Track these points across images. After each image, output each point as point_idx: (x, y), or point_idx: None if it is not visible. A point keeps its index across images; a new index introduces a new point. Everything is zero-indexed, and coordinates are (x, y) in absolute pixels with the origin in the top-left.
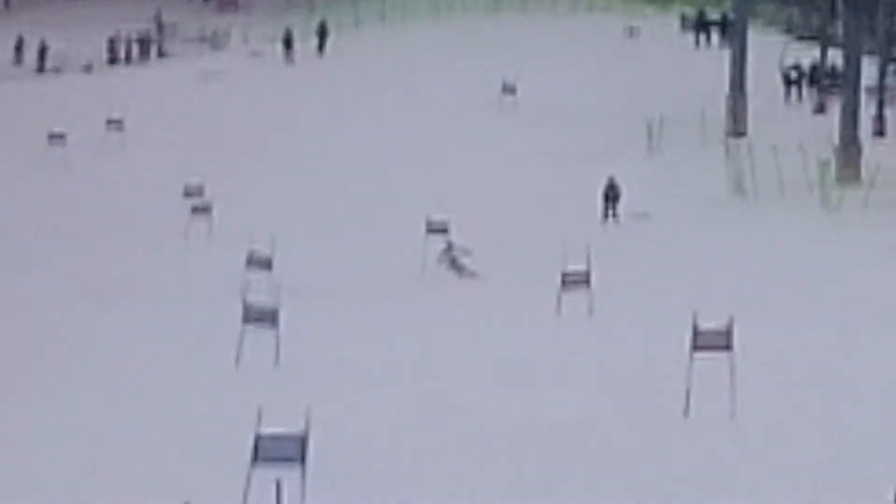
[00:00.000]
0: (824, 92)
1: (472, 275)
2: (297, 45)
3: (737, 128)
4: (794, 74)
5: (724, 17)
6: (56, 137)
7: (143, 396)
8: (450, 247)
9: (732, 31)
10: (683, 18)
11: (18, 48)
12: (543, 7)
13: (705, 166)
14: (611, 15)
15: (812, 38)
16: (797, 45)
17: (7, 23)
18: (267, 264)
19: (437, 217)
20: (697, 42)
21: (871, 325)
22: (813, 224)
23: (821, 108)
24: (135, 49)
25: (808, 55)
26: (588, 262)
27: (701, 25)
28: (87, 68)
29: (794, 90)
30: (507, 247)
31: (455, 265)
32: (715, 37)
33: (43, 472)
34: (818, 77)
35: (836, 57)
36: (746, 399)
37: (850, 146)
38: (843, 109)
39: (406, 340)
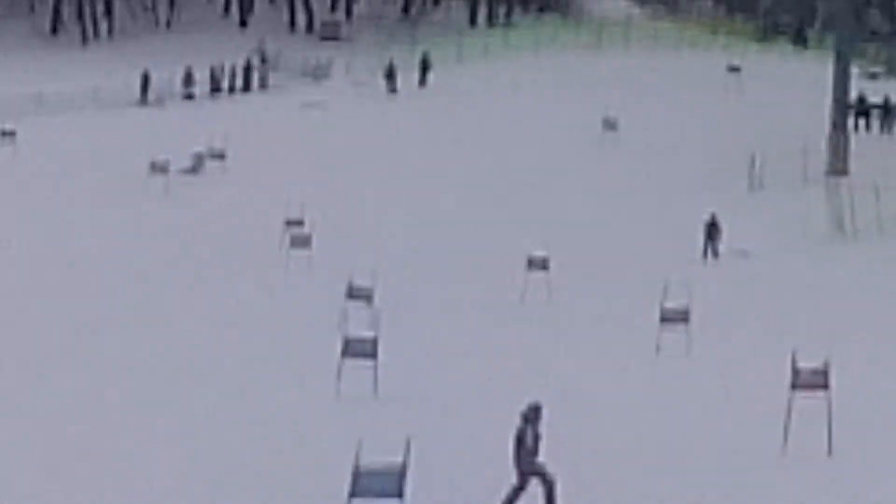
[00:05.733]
0: None
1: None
2: (399, 77)
3: (838, 166)
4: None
5: (886, 102)
6: (157, 166)
7: (244, 427)
8: None
9: (888, 112)
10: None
11: (144, 83)
12: (645, 44)
13: (806, 204)
14: (713, 52)
15: None
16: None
17: (111, 54)
18: (367, 296)
19: (538, 253)
20: (857, 127)
21: None
22: None
23: None
24: (238, 79)
25: None
26: (688, 299)
27: (861, 111)
28: (190, 97)
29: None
30: (607, 282)
31: None
32: (876, 122)
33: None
34: None
35: None
36: (844, 437)
37: None
38: None
39: (503, 373)
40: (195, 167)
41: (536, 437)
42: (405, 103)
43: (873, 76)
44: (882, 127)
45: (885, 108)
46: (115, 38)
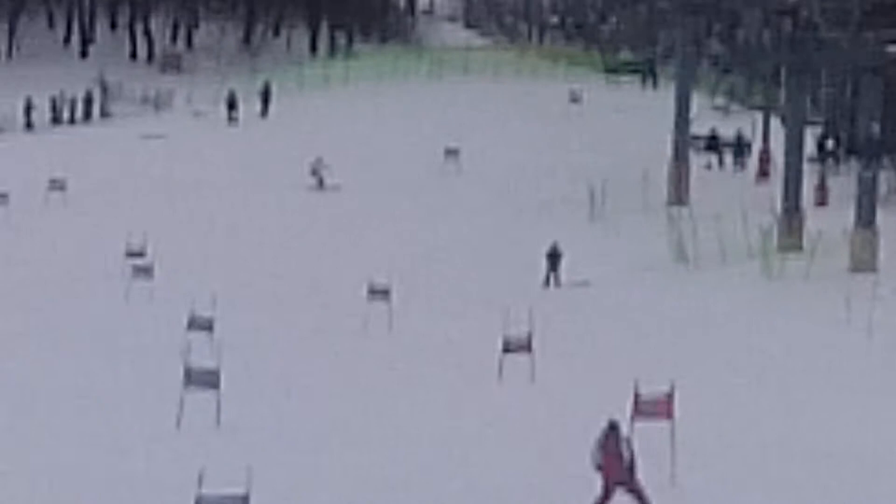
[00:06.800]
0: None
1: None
2: (240, 106)
3: (678, 195)
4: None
5: (740, 139)
6: None
7: (84, 456)
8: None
9: (744, 147)
10: (695, 137)
11: None
12: (487, 73)
13: (647, 232)
14: (554, 81)
15: (755, 107)
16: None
17: None
18: (208, 326)
19: (379, 280)
20: (709, 165)
21: (808, 391)
22: (754, 292)
23: (763, 176)
24: (78, 109)
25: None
26: (530, 328)
27: (713, 146)
28: (29, 127)
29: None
30: (450, 310)
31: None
32: (728, 158)
33: None
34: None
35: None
36: (687, 465)
37: (792, 215)
38: (786, 178)
39: (346, 402)
40: (320, 181)
41: (621, 449)
42: (247, 133)
43: (725, 111)
44: (735, 163)
45: (738, 144)
46: None
